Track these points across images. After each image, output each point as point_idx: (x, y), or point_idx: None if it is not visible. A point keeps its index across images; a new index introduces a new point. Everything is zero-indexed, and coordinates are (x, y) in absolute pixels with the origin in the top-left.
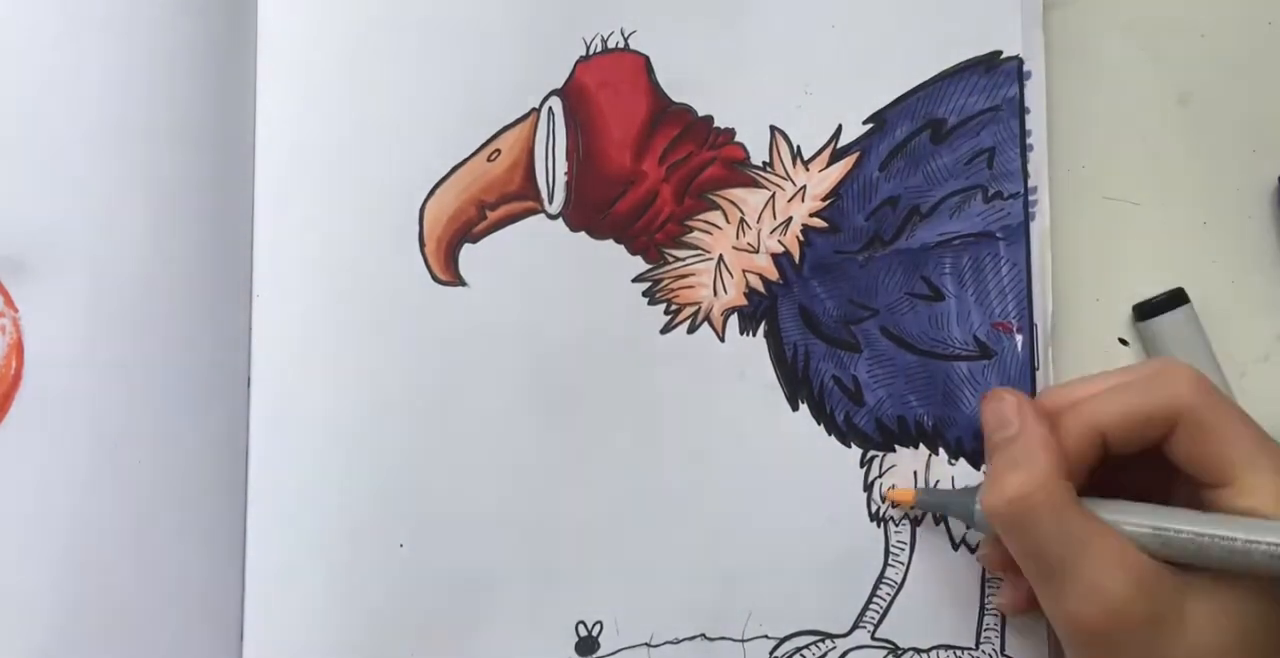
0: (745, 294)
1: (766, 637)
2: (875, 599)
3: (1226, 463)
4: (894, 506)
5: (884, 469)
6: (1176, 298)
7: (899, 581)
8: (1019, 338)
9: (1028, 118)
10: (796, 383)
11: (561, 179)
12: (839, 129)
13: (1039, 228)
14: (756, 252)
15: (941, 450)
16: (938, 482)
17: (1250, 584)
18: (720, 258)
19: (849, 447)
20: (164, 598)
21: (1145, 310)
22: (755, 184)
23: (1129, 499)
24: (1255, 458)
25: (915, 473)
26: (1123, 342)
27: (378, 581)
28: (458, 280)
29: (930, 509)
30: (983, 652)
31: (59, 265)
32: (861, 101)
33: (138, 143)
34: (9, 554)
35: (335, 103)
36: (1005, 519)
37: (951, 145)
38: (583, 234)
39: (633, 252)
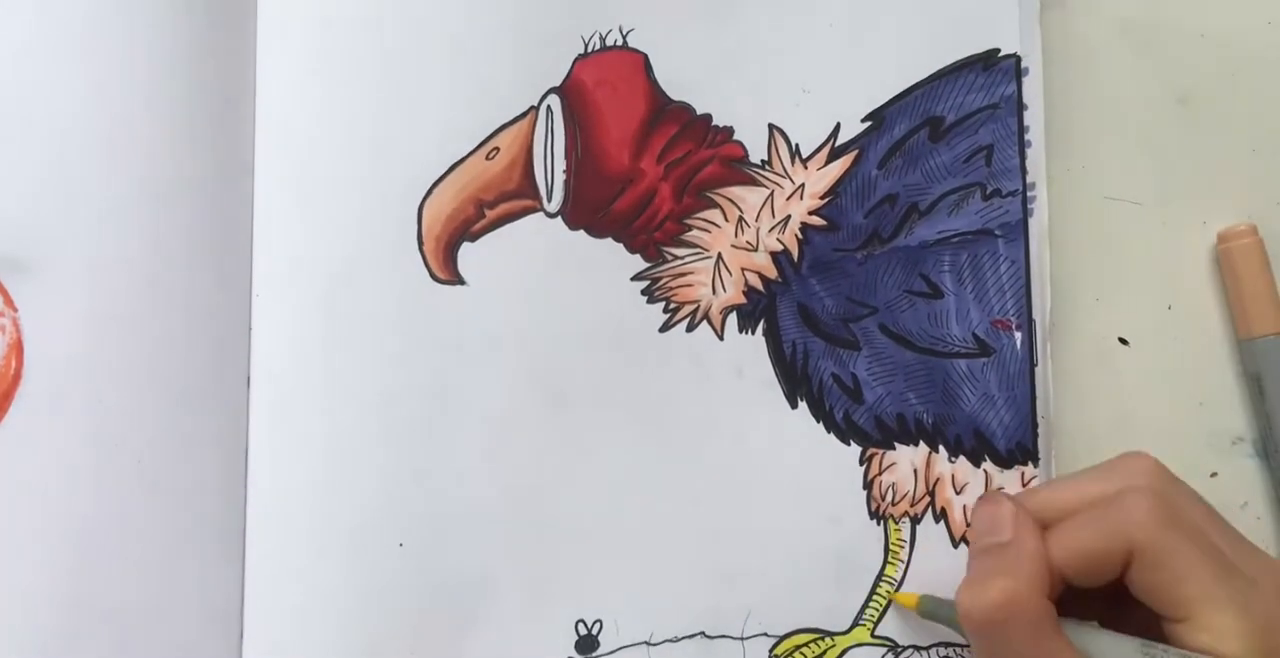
0: (744, 292)
1: (766, 635)
2: (875, 597)
3: (1182, 598)
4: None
5: (883, 467)
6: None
7: (899, 578)
8: (1018, 335)
9: (1025, 115)
10: (795, 381)
11: (560, 177)
12: (837, 127)
13: (1037, 225)
14: (755, 250)
15: (941, 448)
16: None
17: None
18: (719, 256)
19: (848, 444)
20: (164, 598)
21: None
22: (754, 182)
23: (1098, 621)
24: (1212, 593)
25: (915, 471)
26: (1122, 341)
27: (377, 580)
28: (457, 279)
29: (929, 617)
30: None
31: (59, 265)
32: (860, 99)
33: (138, 143)
34: (9, 554)
35: (334, 102)
36: (980, 625)
37: (950, 143)
38: (581, 232)
39: (631, 250)
